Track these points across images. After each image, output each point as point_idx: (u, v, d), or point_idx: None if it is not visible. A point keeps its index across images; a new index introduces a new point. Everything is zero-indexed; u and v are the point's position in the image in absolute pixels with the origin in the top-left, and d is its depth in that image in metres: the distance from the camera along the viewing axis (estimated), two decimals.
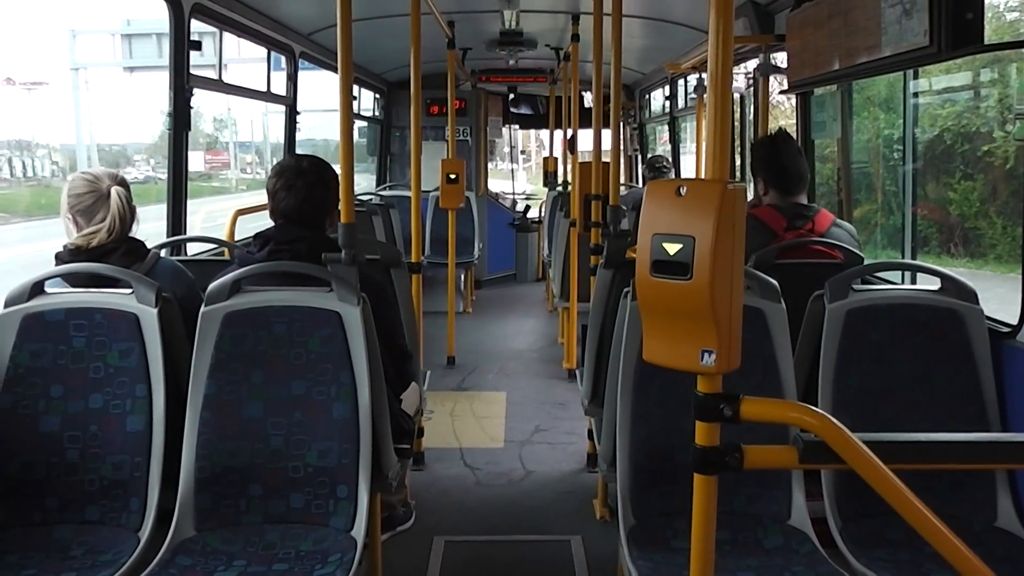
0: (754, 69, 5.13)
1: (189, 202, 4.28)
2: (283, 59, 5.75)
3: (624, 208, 4.06)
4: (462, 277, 8.90)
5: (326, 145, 13.59)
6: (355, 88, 7.74)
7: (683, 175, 8.20)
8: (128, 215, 2.74)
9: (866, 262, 3.27)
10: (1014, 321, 2.64)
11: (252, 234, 2.90)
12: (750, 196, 3.72)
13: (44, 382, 2.52)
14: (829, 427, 1.52)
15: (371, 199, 7.17)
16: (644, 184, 7.98)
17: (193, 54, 4.11)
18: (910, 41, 2.93)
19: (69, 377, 2.53)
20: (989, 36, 2.78)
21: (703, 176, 1.56)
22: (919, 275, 3.36)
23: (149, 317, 2.56)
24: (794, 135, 4.07)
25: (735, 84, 6.06)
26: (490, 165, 11.25)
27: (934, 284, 2.76)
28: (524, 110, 11.86)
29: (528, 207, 11.26)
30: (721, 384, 1.56)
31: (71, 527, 2.46)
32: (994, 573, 1.51)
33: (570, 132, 8.58)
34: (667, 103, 8.35)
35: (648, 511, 2.50)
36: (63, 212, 2.73)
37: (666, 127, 8.76)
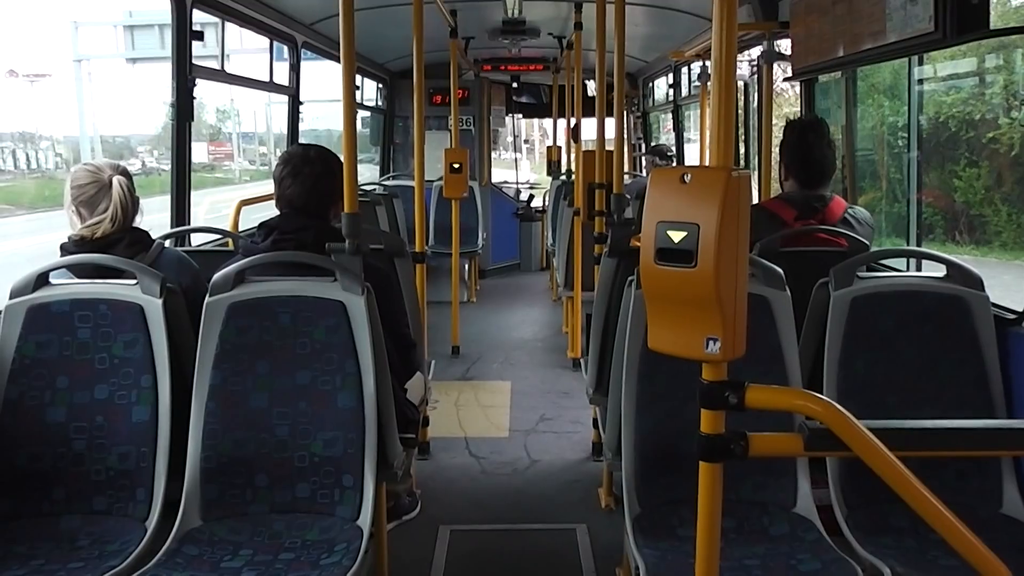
0: (758, 56, 5.11)
1: (192, 193, 4.27)
2: (286, 49, 5.74)
3: (628, 197, 4.05)
4: (466, 267, 8.89)
5: (329, 135, 13.56)
6: (358, 78, 7.72)
7: (687, 163, 8.18)
8: (131, 205, 2.74)
9: (871, 249, 3.26)
10: (1020, 308, 2.63)
11: (256, 224, 2.89)
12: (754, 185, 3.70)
13: (50, 373, 2.53)
14: (834, 414, 1.52)
15: (375, 189, 7.16)
16: (647, 172, 7.97)
17: (195, 45, 4.11)
18: (915, 27, 2.92)
19: (74, 368, 2.54)
20: (994, 22, 2.75)
21: (707, 164, 1.55)
22: (924, 262, 3.35)
23: (154, 308, 2.56)
24: None
25: (739, 72, 6.04)
26: (493, 154, 11.22)
27: (939, 271, 2.75)
28: (527, 99, 11.83)
29: (532, 196, 11.24)
30: (726, 372, 1.56)
31: (78, 517, 2.47)
32: (1000, 560, 1.52)
33: (573, 121, 8.56)
34: (671, 91, 8.32)
35: (653, 499, 2.50)
36: (67, 204, 2.74)
37: (670, 115, 8.74)
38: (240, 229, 4.78)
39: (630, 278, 2.71)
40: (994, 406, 2.61)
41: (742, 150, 6.50)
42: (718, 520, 1.62)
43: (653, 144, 9.13)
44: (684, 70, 7.83)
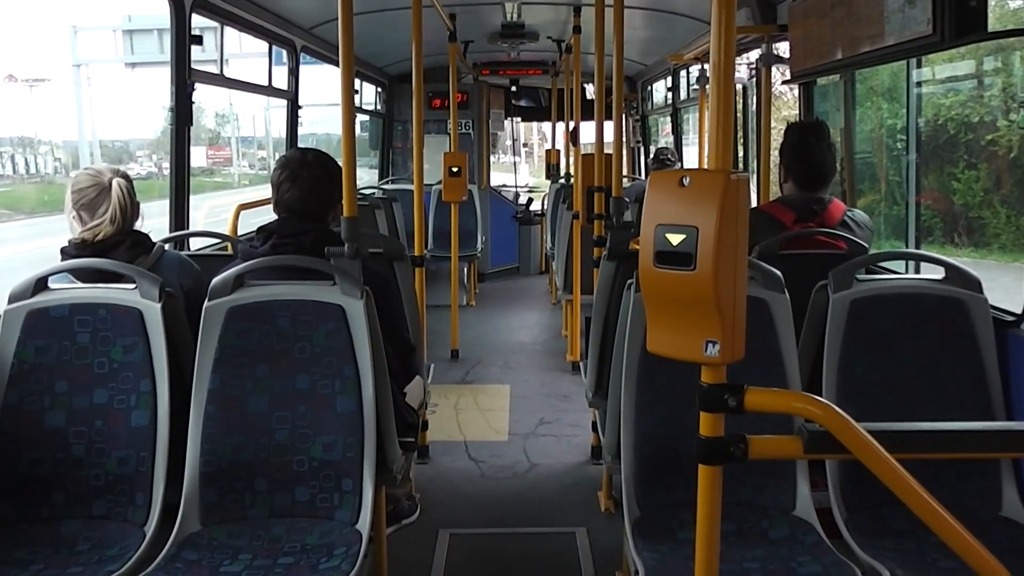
0: (757, 60, 5.12)
1: (191, 197, 4.28)
2: (284, 53, 5.75)
3: (627, 200, 4.06)
4: (465, 270, 8.89)
5: (328, 139, 13.58)
6: (357, 82, 7.73)
7: (686, 166, 8.19)
8: (130, 207, 2.74)
9: (870, 251, 3.26)
10: (1018, 310, 2.64)
11: (255, 228, 2.89)
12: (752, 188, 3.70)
13: (49, 378, 2.53)
14: (834, 417, 1.52)
15: (374, 193, 7.17)
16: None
17: (194, 49, 4.11)
18: (913, 29, 2.93)
19: (74, 373, 2.54)
20: (992, 24, 2.76)
21: (706, 167, 1.56)
22: (923, 264, 3.35)
23: (153, 312, 2.56)
24: None
25: (738, 75, 6.05)
26: (492, 158, 11.23)
27: (938, 273, 2.75)
28: (526, 103, 11.84)
29: (531, 200, 11.25)
30: (725, 375, 1.56)
31: (77, 522, 2.47)
32: (999, 562, 1.52)
33: (572, 124, 8.57)
34: (669, 94, 8.34)
35: (653, 502, 2.50)
36: (67, 210, 2.74)
37: (668, 118, 8.75)
38: (239, 233, 4.78)
39: (629, 281, 2.71)
40: (993, 408, 2.61)
41: (741, 153, 6.51)
42: (718, 523, 1.62)
43: (656, 148, 9.14)
44: (683, 73, 7.84)
